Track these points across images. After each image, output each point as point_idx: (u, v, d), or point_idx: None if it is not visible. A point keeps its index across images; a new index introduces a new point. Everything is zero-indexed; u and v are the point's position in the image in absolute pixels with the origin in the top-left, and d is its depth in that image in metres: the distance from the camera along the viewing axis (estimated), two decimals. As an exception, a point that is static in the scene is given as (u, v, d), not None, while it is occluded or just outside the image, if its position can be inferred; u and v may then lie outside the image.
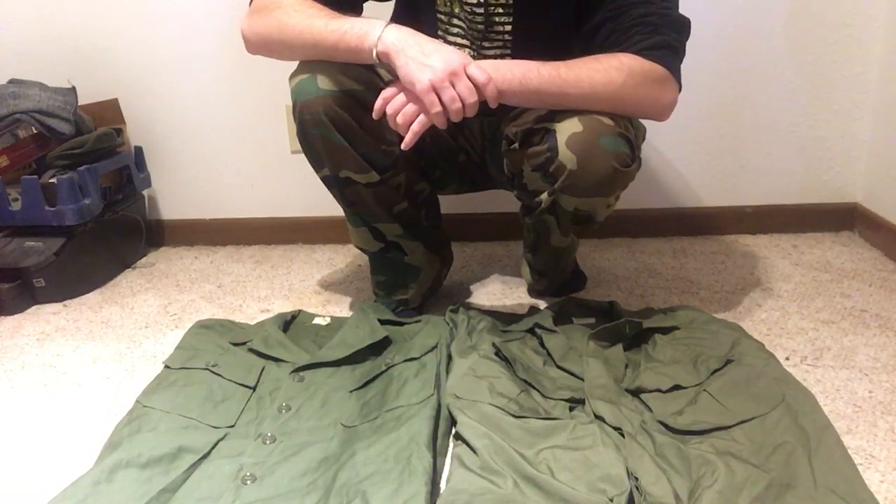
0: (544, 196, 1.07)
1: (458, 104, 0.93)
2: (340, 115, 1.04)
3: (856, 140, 1.56)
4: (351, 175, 1.09)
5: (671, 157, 1.61)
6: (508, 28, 1.09)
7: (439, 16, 1.11)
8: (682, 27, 1.01)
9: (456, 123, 1.20)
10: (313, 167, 1.12)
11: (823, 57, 1.50)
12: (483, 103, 1.08)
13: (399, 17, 1.14)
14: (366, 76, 1.05)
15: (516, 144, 1.06)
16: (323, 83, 1.03)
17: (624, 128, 1.01)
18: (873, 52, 1.49)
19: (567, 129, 1.00)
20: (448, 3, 1.10)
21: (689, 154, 1.60)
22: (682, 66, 1.02)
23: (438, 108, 0.93)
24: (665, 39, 0.98)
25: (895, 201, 1.46)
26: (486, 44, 1.11)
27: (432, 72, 0.92)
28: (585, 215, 1.10)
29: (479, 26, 1.09)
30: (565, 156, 1.00)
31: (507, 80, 0.96)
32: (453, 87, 0.92)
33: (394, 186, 1.14)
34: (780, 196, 1.62)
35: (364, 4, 1.12)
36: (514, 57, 1.11)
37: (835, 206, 1.61)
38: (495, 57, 1.12)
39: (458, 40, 1.13)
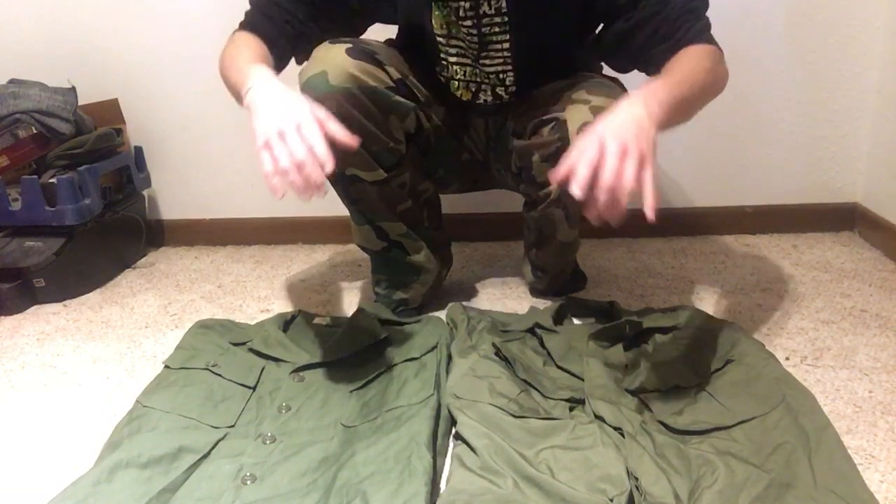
0: (554, 187, 1.07)
1: (295, 159, 0.80)
2: (351, 113, 1.04)
3: (856, 140, 1.56)
4: (357, 173, 1.10)
5: (671, 157, 1.61)
6: (507, 45, 1.09)
7: (438, 38, 1.12)
8: (707, 5, 1.01)
9: (461, 122, 1.21)
10: None
11: (823, 57, 1.50)
12: (488, 101, 1.08)
13: (402, 38, 1.13)
14: (378, 73, 1.06)
15: (525, 137, 1.06)
16: (334, 79, 1.03)
17: None
18: (873, 52, 1.49)
19: (577, 119, 1.01)
20: (444, 26, 1.10)
21: (690, 154, 1.60)
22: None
23: (268, 167, 0.81)
24: (706, 23, 1.00)
25: (895, 201, 1.46)
26: (486, 61, 1.11)
27: (264, 131, 0.84)
28: None
29: (475, 46, 1.10)
30: None
31: (666, 103, 0.84)
32: (287, 143, 0.82)
33: (398, 185, 1.14)
34: (780, 196, 1.62)
35: (370, 27, 1.13)
36: (515, 72, 1.12)
37: (835, 206, 1.61)
38: (496, 73, 1.12)
39: (459, 59, 1.13)
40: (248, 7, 1.09)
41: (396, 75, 1.08)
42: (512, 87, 1.14)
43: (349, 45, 1.05)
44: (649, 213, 0.74)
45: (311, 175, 0.79)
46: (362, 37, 1.15)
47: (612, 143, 0.75)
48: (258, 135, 0.84)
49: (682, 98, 0.87)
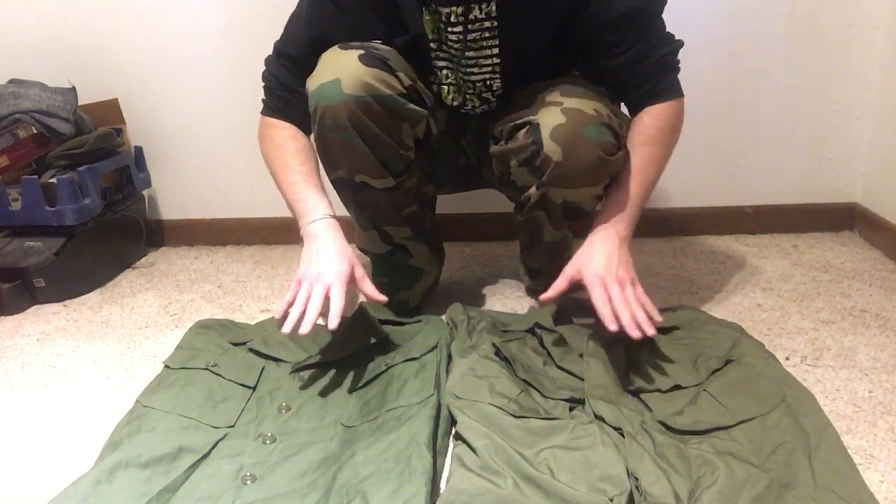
0: (532, 190, 1.08)
1: (306, 307, 0.96)
2: (364, 121, 1.02)
3: (856, 140, 1.56)
4: (367, 179, 1.09)
5: (672, 156, 1.61)
6: (496, 51, 1.08)
7: (430, 44, 1.10)
8: (678, 50, 1.06)
9: (459, 125, 1.21)
10: (326, 169, 1.11)
11: (823, 57, 1.50)
12: (476, 106, 1.07)
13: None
14: (390, 80, 1.04)
15: (503, 142, 1.06)
16: (348, 88, 1.01)
17: (608, 117, 1.02)
18: (873, 52, 1.49)
19: (550, 122, 1.01)
20: (435, 31, 1.09)
21: (689, 154, 1.60)
22: (682, 67, 1.06)
23: (289, 298, 0.98)
24: (673, 74, 1.06)
25: (895, 201, 1.46)
26: (474, 69, 1.10)
27: (304, 271, 1.00)
28: (575, 208, 1.10)
29: (460, 52, 1.09)
30: (550, 148, 1.00)
31: (631, 216, 1.05)
32: (311, 290, 0.98)
33: (406, 190, 1.13)
34: (780, 196, 1.62)
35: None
36: (503, 79, 1.11)
37: (835, 206, 1.61)
38: (483, 80, 1.12)
39: (448, 65, 1.12)
40: (262, 84, 1.13)
41: (407, 81, 1.06)
42: (499, 91, 1.13)
43: (361, 52, 1.02)
44: (657, 318, 0.98)
45: (305, 326, 0.94)
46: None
47: (613, 286, 0.98)
48: (300, 270, 1.01)
49: (645, 190, 1.05)
